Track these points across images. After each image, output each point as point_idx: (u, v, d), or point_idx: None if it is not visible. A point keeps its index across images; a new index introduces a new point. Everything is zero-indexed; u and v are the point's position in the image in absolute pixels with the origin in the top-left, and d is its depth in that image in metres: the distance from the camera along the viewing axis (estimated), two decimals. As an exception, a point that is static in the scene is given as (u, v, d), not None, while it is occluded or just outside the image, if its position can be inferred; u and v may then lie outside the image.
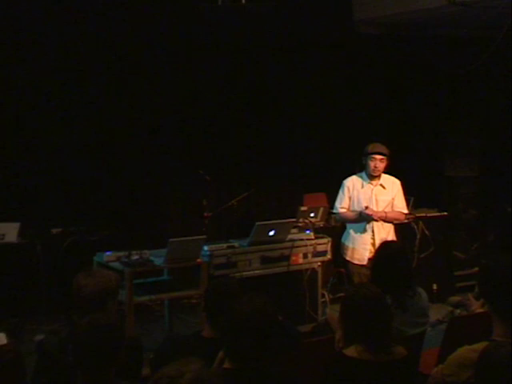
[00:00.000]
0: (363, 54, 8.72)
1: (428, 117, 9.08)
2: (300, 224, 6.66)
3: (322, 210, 7.32)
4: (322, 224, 7.22)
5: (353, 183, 6.07)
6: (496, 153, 8.92)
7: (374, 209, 5.94)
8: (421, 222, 7.26)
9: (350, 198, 6.07)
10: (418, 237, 7.20)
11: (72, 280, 3.41)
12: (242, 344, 2.80)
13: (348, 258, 6.07)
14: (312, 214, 7.08)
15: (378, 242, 5.72)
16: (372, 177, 5.97)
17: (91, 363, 2.72)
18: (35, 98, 7.13)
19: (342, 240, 6.16)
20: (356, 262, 5.99)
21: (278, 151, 8.40)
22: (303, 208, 7.11)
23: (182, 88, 7.84)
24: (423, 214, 7.40)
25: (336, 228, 7.47)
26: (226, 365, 2.86)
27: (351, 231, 6.07)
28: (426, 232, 7.27)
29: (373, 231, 5.96)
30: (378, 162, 5.88)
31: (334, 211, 6.27)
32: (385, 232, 5.99)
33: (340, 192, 6.15)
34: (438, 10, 7.18)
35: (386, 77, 8.90)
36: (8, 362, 2.67)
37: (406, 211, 6.22)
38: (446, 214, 7.72)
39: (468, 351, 2.91)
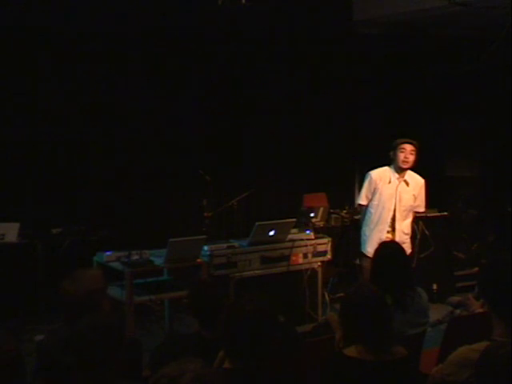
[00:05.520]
0: (363, 54, 8.72)
1: (428, 117, 9.08)
2: (300, 224, 6.66)
3: (321, 209, 7.32)
4: (322, 224, 7.23)
5: (380, 176, 6.06)
6: (496, 153, 8.92)
7: (397, 205, 6.00)
8: (421, 222, 7.27)
9: (374, 190, 6.06)
10: (418, 237, 7.20)
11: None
12: (242, 344, 2.80)
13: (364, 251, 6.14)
14: (312, 214, 7.07)
15: (397, 236, 5.91)
16: (400, 169, 5.97)
17: (91, 363, 2.72)
18: (34, 97, 7.14)
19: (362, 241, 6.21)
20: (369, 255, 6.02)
21: (278, 151, 8.40)
22: (303, 208, 7.12)
23: (182, 88, 7.84)
24: (423, 214, 7.39)
25: (336, 228, 7.48)
26: (226, 365, 2.85)
27: (367, 228, 6.12)
28: (426, 232, 7.28)
29: (393, 228, 6.01)
30: (408, 153, 5.91)
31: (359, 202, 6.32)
32: (405, 226, 6.07)
33: (364, 183, 6.16)
34: (438, 9, 7.19)
35: (385, 77, 8.89)
36: (8, 361, 2.66)
37: (422, 210, 6.29)
38: (446, 214, 7.72)
39: (468, 351, 2.91)
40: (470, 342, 2.95)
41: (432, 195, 8.20)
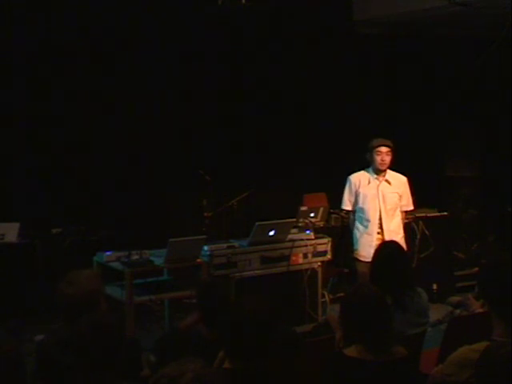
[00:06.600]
0: (363, 54, 8.72)
1: (428, 117, 9.08)
2: (300, 224, 6.65)
3: (321, 209, 7.31)
4: (322, 224, 7.22)
5: (359, 179, 6.07)
6: (496, 153, 8.92)
7: (382, 205, 5.97)
8: (421, 222, 7.27)
9: (355, 193, 6.07)
10: (418, 237, 7.20)
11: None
12: (242, 344, 2.80)
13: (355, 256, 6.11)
14: (312, 214, 7.07)
15: (387, 237, 5.83)
16: (379, 171, 5.99)
17: (91, 363, 2.71)
18: (33, 96, 7.14)
19: (353, 245, 6.18)
20: (362, 258, 6.00)
21: (278, 151, 8.40)
22: (303, 208, 7.11)
23: (182, 88, 7.84)
24: (423, 214, 7.40)
25: (336, 228, 7.47)
26: (226, 365, 2.86)
27: (357, 232, 6.09)
28: (426, 232, 7.28)
29: (381, 227, 5.98)
30: (384, 155, 5.92)
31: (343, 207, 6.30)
32: (396, 226, 6.02)
33: (345, 188, 6.16)
34: (438, 10, 7.19)
35: (385, 77, 8.89)
36: (8, 361, 2.66)
37: (410, 208, 6.25)
38: (446, 214, 7.72)
39: (468, 351, 2.91)
40: (470, 342, 2.95)
41: (432, 195, 8.24)
